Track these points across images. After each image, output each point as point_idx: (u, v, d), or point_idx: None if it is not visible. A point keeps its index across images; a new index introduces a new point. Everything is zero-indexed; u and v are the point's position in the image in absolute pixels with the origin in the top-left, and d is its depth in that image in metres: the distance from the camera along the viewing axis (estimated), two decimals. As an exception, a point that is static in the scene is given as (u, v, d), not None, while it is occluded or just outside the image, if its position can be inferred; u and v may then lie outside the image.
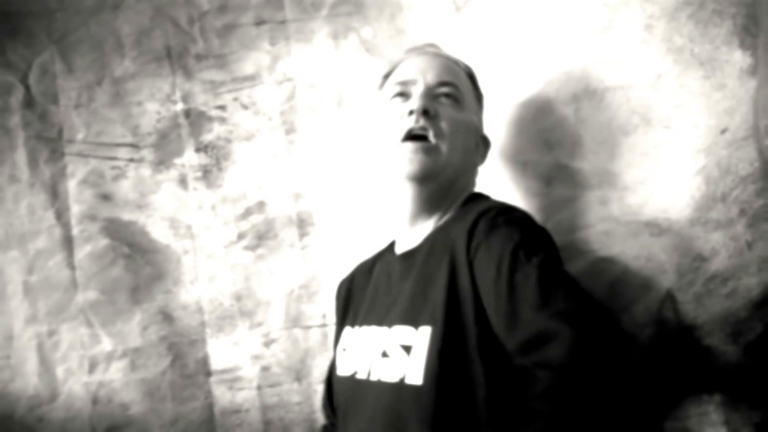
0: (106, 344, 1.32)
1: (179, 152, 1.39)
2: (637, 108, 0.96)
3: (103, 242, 1.35)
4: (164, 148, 1.39)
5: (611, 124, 0.99)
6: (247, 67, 1.40)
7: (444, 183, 0.99)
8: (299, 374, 1.31)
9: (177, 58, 1.41)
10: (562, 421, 0.70)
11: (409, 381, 0.84)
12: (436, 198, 1.00)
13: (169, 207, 1.37)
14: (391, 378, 0.86)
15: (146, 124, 1.39)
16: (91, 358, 1.32)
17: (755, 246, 0.87)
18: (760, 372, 0.86)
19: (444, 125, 0.98)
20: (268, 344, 1.33)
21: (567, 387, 0.70)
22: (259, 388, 1.31)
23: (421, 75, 1.01)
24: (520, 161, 1.10)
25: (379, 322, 0.95)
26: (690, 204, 0.91)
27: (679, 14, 0.94)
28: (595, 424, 0.71)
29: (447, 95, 1.01)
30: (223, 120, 1.40)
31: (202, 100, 1.40)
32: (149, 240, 1.36)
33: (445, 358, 0.82)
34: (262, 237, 1.36)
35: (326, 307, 1.31)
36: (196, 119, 1.40)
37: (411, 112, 0.97)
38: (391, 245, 1.10)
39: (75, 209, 1.36)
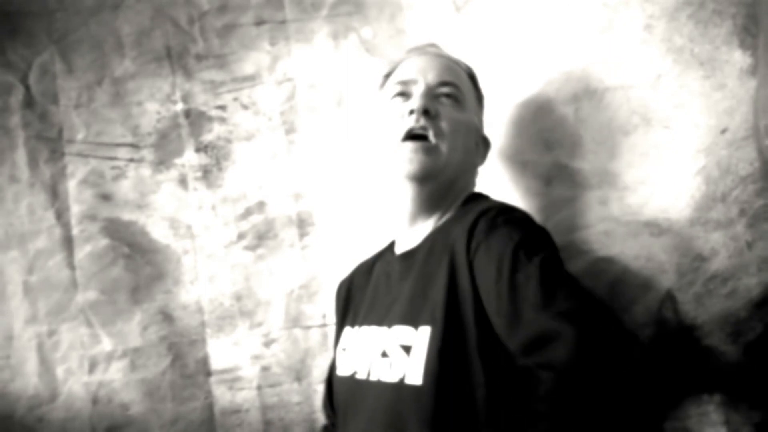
0: (106, 344, 1.32)
1: (179, 152, 1.39)
2: (637, 108, 0.96)
3: (103, 242, 1.35)
4: (164, 148, 1.39)
5: (611, 124, 0.99)
6: (247, 67, 1.40)
7: (444, 183, 0.99)
8: (299, 374, 1.31)
9: (177, 58, 1.41)
10: (566, 422, 0.70)
11: (408, 381, 0.84)
12: (436, 198, 1.00)
13: (169, 207, 1.37)
14: (391, 378, 0.86)
15: (146, 124, 1.39)
16: (91, 358, 1.32)
17: (755, 246, 0.87)
18: (760, 372, 0.86)
19: (444, 125, 0.98)
20: (268, 344, 1.33)
21: (570, 388, 0.70)
22: (259, 388, 1.31)
23: (421, 75, 1.01)
24: (520, 161, 1.10)
25: (379, 322, 0.95)
26: (690, 204, 0.91)
27: (679, 14, 0.94)
28: (598, 424, 0.71)
29: (447, 95, 1.01)
30: (223, 120, 1.40)
31: (202, 100, 1.40)
32: (149, 240, 1.36)
33: (444, 358, 0.82)
34: (262, 237, 1.36)
35: (326, 307, 1.31)
36: (196, 119, 1.40)
37: (411, 112, 0.97)
38: (391, 245, 1.10)
39: (75, 209, 1.36)
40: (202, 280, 1.35)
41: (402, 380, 0.85)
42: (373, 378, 0.90)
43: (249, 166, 1.38)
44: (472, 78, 1.08)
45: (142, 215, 1.37)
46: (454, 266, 0.88)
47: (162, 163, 1.39)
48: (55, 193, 1.37)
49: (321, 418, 1.25)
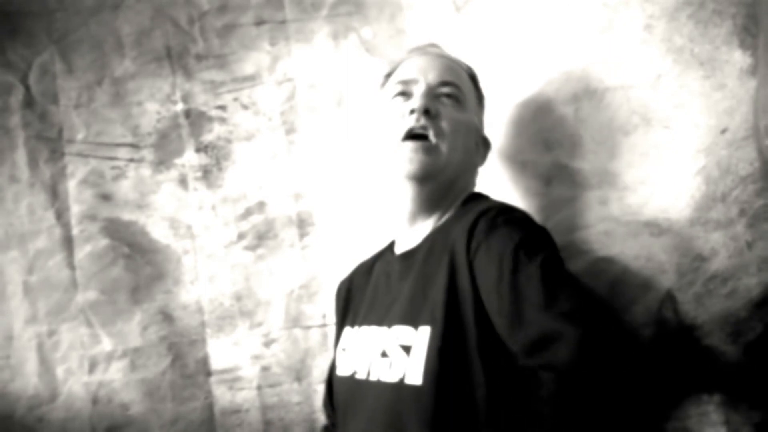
0: (106, 344, 1.32)
1: (179, 152, 1.39)
2: (637, 108, 0.96)
3: (103, 242, 1.35)
4: (164, 148, 1.39)
5: (611, 124, 0.99)
6: (247, 67, 1.40)
7: (444, 183, 0.99)
8: (299, 374, 1.31)
9: (177, 58, 1.41)
10: (569, 423, 0.70)
11: (408, 381, 0.84)
12: (436, 198, 1.00)
13: (169, 207, 1.37)
14: (391, 378, 0.86)
15: (146, 124, 1.39)
16: (91, 358, 1.32)
17: (755, 246, 0.87)
18: (760, 372, 0.86)
19: (444, 125, 0.98)
20: (268, 344, 1.33)
21: (573, 389, 0.70)
22: (259, 388, 1.31)
23: (422, 74, 1.01)
24: (520, 161, 1.10)
25: (379, 322, 0.95)
26: (690, 204, 0.91)
27: (679, 14, 0.94)
28: (600, 425, 0.71)
29: (448, 95, 1.01)
30: (223, 120, 1.40)
31: (202, 100, 1.40)
32: (149, 240, 1.36)
33: (444, 358, 0.82)
34: (262, 237, 1.36)
35: (326, 307, 1.31)
36: (196, 119, 1.40)
37: (412, 111, 0.97)
38: (391, 245, 1.10)
39: (75, 209, 1.36)
40: (202, 280, 1.35)
41: (402, 380, 0.85)
42: (372, 378, 0.90)
43: (249, 166, 1.38)
44: (472, 78, 1.08)
45: (142, 215, 1.37)
46: (454, 266, 0.88)
47: (162, 163, 1.39)
48: (55, 193, 1.37)
49: (321, 418, 1.25)
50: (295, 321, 1.33)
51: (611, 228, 0.97)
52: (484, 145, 1.09)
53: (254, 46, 1.40)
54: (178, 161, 1.39)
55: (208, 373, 1.32)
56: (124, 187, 1.38)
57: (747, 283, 0.87)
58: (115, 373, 1.31)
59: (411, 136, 0.97)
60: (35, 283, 1.34)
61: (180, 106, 1.40)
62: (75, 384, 1.31)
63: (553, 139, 1.05)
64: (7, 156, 1.38)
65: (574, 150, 1.02)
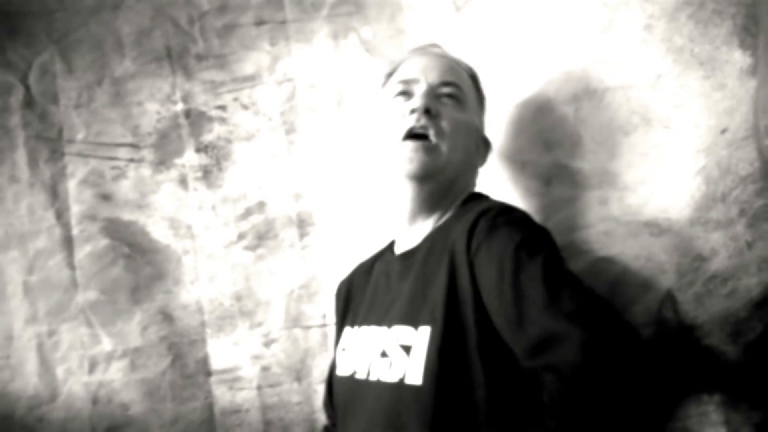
0: (106, 344, 1.32)
1: (179, 152, 1.39)
2: (637, 108, 0.96)
3: (103, 242, 1.35)
4: (164, 148, 1.39)
5: (611, 124, 0.99)
6: (247, 68, 1.40)
7: (444, 183, 0.99)
8: (299, 374, 1.31)
9: (177, 58, 1.41)
10: (574, 424, 0.70)
11: (408, 381, 0.84)
12: (436, 197, 1.00)
13: (169, 207, 1.37)
14: (391, 378, 0.86)
15: (146, 124, 1.39)
16: (91, 358, 1.32)
17: (755, 246, 0.87)
18: (760, 372, 0.86)
19: (445, 125, 0.98)
20: (268, 344, 1.33)
21: (578, 390, 0.70)
22: (259, 388, 1.31)
23: (423, 74, 1.01)
24: (520, 161, 1.10)
25: (379, 322, 0.95)
26: (690, 204, 0.91)
27: (679, 14, 0.94)
28: (605, 426, 0.71)
29: (449, 95, 1.01)
30: (223, 120, 1.40)
31: (202, 100, 1.40)
32: (149, 240, 1.36)
33: (444, 358, 0.82)
34: (262, 237, 1.36)
35: (326, 307, 1.31)
36: (196, 119, 1.40)
37: (413, 111, 0.97)
38: (391, 245, 1.10)
39: (75, 209, 1.36)
40: (202, 280, 1.35)
41: (402, 380, 0.85)
42: (372, 378, 0.90)
43: (249, 166, 1.38)
44: (473, 79, 1.08)
45: (142, 215, 1.37)
46: (454, 266, 0.88)
47: (162, 163, 1.39)
48: (55, 193, 1.37)
49: (321, 418, 1.25)
50: (295, 321, 1.33)
51: (611, 228, 0.97)
52: (485, 145, 1.09)
53: (254, 46, 1.40)
54: (178, 161, 1.39)
55: (208, 373, 1.32)
56: (124, 187, 1.38)
57: (747, 283, 0.87)
58: (115, 373, 1.31)
59: (411, 135, 0.97)
60: (35, 283, 1.34)
61: (180, 106, 1.40)
62: (75, 384, 1.31)
63: (553, 139, 1.05)
64: (7, 156, 1.38)
65: (574, 150, 1.02)
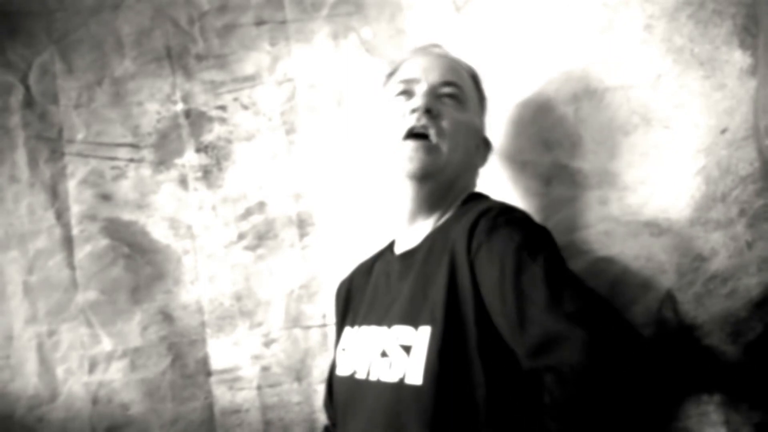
0: (106, 344, 1.32)
1: (179, 152, 1.39)
2: (637, 108, 0.96)
3: (103, 242, 1.35)
4: (164, 148, 1.39)
5: (611, 124, 0.99)
6: (247, 68, 1.40)
7: (444, 182, 0.99)
8: (299, 374, 1.31)
9: (177, 58, 1.41)
10: (575, 427, 0.70)
11: (408, 381, 0.84)
12: (436, 197, 1.00)
13: (170, 207, 1.37)
14: (391, 378, 0.86)
15: (146, 124, 1.39)
16: (91, 358, 1.32)
17: (755, 246, 0.87)
18: (760, 372, 0.86)
19: (446, 125, 0.98)
20: (268, 344, 1.33)
21: (581, 391, 0.70)
22: (259, 388, 1.31)
23: (424, 74, 1.01)
24: (520, 161, 1.10)
25: (379, 322, 0.95)
26: (690, 204, 0.91)
27: (679, 14, 0.94)
28: (608, 427, 0.71)
29: (450, 95, 1.01)
30: (223, 120, 1.40)
31: (202, 100, 1.40)
32: (149, 240, 1.36)
33: (444, 358, 0.82)
34: (262, 237, 1.36)
35: (326, 307, 1.31)
36: (196, 119, 1.40)
37: (413, 111, 0.97)
38: (391, 245, 1.10)
39: (75, 209, 1.36)
40: (202, 280, 1.35)
41: (402, 380, 0.85)
42: (372, 378, 0.90)
43: (249, 166, 1.38)
44: (474, 79, 1.08)
45: (143, 215, 1.37)
46: (454, 266, 0.87)
47: (162, 163, 1.39)
48: (55, 193, 1.37)
49: (321, 418, 1.25)
50: (295, 321, 1.33)
51: (611, 228, 0.97)
52: (485, 146, 1.09)
53: (254, 46, 1.40)
54: (178, 161, 1.39)
55: (208, 373, 1.32)
56: (124, 187, 1.38)
57: (747, 283, 0.87)
58: (115, 373, 1.31)
59: (412, 135, 0.97)
60: (35, 283, 1.34)
61: (180, 106, 1.40)
62: (75, 384, 1.31)
63: (553, 139, 1.05)
64: (7, 156, 1.38)
65: (574, 150, 1.02)
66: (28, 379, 1.31)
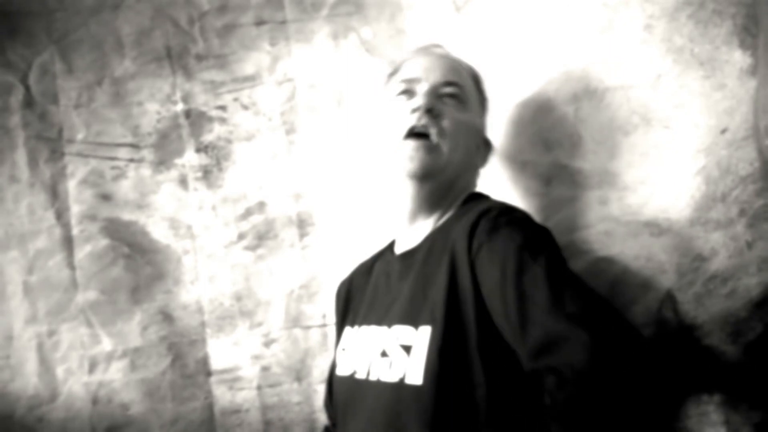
0: (106, 344, 1.32)
1: (179, 152, 1.39)
2: (637, 108, 0.96)
3: (103, 242, 1.35)
4: (164, 148, 1.39)
5: (611, 124, 0.99)
6: (248, 68, 1.40)
7: (444, 182, 0.99)
8: (299, 374, 1.31)
9: (177, 58, 1.41)
10: (579, 427, 0.70)
11: (408, 381, 0.84)
12: (436, 197, 1.00)
13: (170, 207, 1.37)
14: (391, 378, 0.86)
15: (146, 124, 1.39)
16: (91, 358, 1.32)
17: (755, 246, 0.87)
18: (760, 372, 0.86)
19: (446, 124, 0.98)
20: (268, 344, 1.33)
21: (583, 392, 0.69)
22: (259, 388, 1.31)
23: (426, 74, 1.02)
24: (520, 161, 1.10)
25: (379, 322, 0.95)
26: (690, 204, 0.91)
27: (679, 14, 0.93)
28: (611, 428, 0.71)
29: (451, 95, 1.01)
30: (223, 120, 1.40)
31: (202, 100, 1.40)
32: (149, 240, 1.36)
33: (445, 357, 0.82)
34: (263, 237, 1.36)
35: (326, 307, 1.31)
36: (196, 119, 1.40)
37: (414, 110, 0.97)
38: (391, 245, 1.10)
39: (75, 209, 1.36)
40: (202, 280, 1.35)
41: (402, 380, 0.85)
42: (372, 378, 0.90)
43: (249, 166, 1.38)
44: (476, 80, 1.08)
45: (143, 215, 1.37)
46: (454, 266, 0.87)
47: (162, 163, 1.39)
48: (55, 193, 1.37)
49: (321, 418, 1.25)
50: (295, 321, 1.33)
51: (611, 228, 0.97)
52: (486, 147, 1.09)
53: (254, 46, 1.40)
54: (178, 161, 1.39)
55: (208, 373, 1.32)
56: (124, 187, 1.38)
57: (747, 283, 0.87)
58: (115, 373, 1.31)
59: (413, 134, 0.97)
60: (35, 283, 1.34)
61: (180, 106, 1.40)
62: (75, 384, 1.31)
63: (553, 139, 1.05)
64: (7, 156, 1.38)
65: (574, 150, 1.02)
66: (28, 379, 1.31)
